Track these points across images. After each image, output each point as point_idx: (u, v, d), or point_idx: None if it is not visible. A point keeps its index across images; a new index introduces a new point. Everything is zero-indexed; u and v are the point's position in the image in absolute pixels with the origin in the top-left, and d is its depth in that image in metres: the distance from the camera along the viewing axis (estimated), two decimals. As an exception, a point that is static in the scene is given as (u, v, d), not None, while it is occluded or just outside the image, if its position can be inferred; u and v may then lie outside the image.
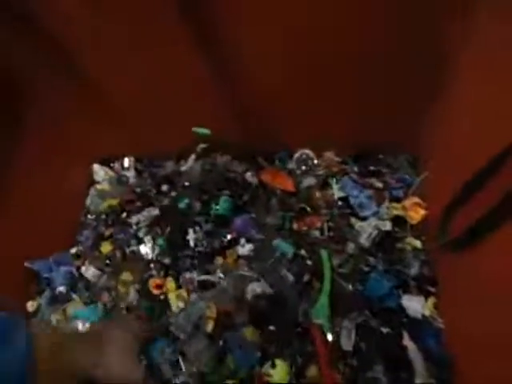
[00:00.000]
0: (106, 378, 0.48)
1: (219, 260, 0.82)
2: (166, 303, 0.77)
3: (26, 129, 0.89)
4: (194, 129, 0.94)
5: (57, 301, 0.82)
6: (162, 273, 0.84)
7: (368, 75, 0.76)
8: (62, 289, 0.81)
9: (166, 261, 0.86)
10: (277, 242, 0.84)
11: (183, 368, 0.68)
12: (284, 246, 0.83)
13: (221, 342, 0.69)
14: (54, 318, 0.78)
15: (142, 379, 0.53)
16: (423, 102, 0.79)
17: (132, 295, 0.81)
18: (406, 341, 0.70)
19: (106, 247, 0.90)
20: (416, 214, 0.85)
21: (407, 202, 0.86)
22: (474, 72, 0.66)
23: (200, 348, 0.67)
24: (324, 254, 0.79)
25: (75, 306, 0.78)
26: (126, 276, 0.82)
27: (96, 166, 1.08)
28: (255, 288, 0.73)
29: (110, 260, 0.88)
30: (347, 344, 0.69)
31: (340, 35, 0.70)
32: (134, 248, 0.88)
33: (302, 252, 0.83)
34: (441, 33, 0.67)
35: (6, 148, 0.84)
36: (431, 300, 0.74)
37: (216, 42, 0.76)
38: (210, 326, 0.69)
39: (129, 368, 0.50)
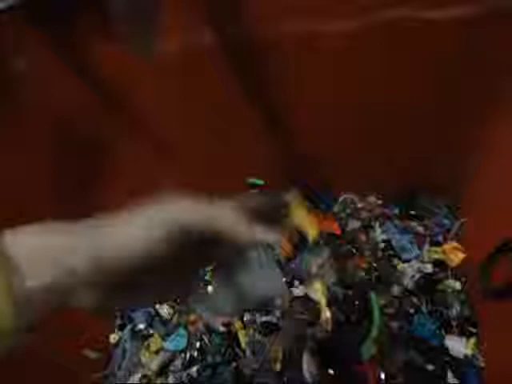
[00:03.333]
0: None
1: (277, 301, 0.93)
2: (234, 339, 0.89)
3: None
4: (249, 180, 1.06)
5: (137, 336, 0.95)
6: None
7: (415, 125, 0.80)
8: (141, 326, 0.94)
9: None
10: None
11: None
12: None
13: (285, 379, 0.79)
14: (142, 357, 0.91)
15: None
16: (467, 151, 0.83)
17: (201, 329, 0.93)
18: (451, 379, 0.78)
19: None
20: (455, 258, 0.92)
21: (447, 246, 0.94)
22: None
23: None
24: (373, 296, 0.88)
25: (155, 341, 0.91)
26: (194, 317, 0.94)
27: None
28: (315, 332, 0.83)
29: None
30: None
31: (389, 87, 0.74)
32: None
33: (350, 293, 0.92)
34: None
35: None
36: (472, 340, 0.82)
37: (269, 93, 0.82)
38: (278, 366, 0.80)
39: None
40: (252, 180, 1.05)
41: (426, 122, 0.81)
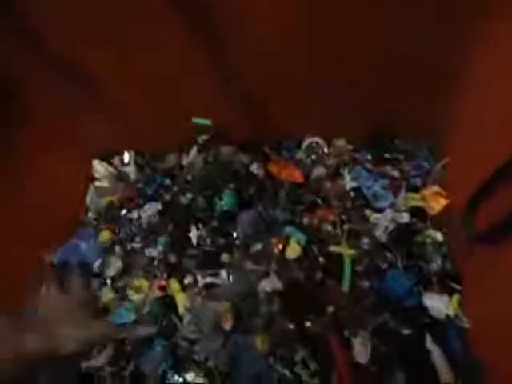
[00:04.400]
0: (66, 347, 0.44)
1: (225, 258, 0.77)
2: (170, 305, 0.73)
3: (27, 123, 0.84)
4: (194, 119, 0.88)
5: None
6: (165, 274, 0.79)
7: (384, 50, 0.70)
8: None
9: (171, 260, 0.81)
10: (289, 229, 0.78)
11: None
12: (297, 235, 0.77)
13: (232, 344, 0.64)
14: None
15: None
16: (447, 85, 0.72)
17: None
18: (429, 344, 0.64)
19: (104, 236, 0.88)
20: (436, 204, 0.78)
21: (426, 192, 0.80)
22: (505, 62, 0.59)
23: (216, 347, 0.62)
24: (346, 256, 0.73)
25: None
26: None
27: (95, 162, 1.03)
28: (265, 286, 0.68)
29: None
30: (362, 356, 0.63)
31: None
32: (136, 245, 0.84)
33: (314, 248, 0.77)
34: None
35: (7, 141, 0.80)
36: (455, 298, 0.68)
37: (215, 30, 0.71)
38: (228, 324, 0.65)
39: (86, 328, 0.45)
40: (198, 119, 0.88)
41: (394, 46, 0.70)
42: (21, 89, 0.83)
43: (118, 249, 0.86)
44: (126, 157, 1.04)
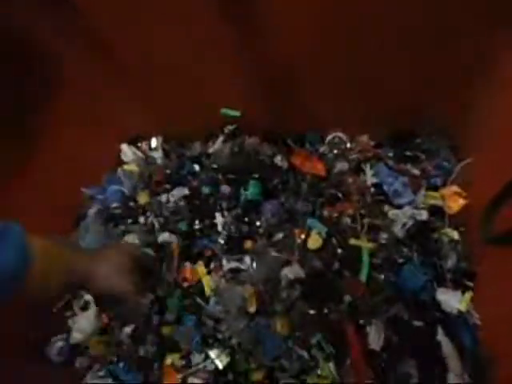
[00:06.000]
0: (96, 288, 0.53)
1: (248, 244, 0.81)
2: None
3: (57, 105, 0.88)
4: (223, 110, 0.91)
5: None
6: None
7: (408, 49, 0.72)
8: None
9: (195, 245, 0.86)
10: (310, 221, 0.82)
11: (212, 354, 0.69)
12: (319, 227, 0.81)
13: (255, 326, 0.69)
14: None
15: (134, 296, 0.58)
16: (472, 84, 0.73)
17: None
18: (440, 336, 0.68)
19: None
20: (455, 204, 0.80)
21: (446, 191, 0.82)
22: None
23: (240, 327, 0.67)
24: (364, 250, 0.76)
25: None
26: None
27: (124, 146, 1.07)
28: (287, 273, 0.72)
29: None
30: (376, 343, 0.67)
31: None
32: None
33: (333, 240, 0.81)
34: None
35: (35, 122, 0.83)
36: (468, 295, 0.71)
37: (247, 18, 0.73)
38: (252, 308, 0.70)
39: (118, 283, 0.55)
40: (227, 110, 0.91)
41: (425, 59, 0.73)
42: (60, 70, 0.86)
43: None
44: (154, 142, 1.07)
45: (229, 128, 0.98)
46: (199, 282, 0.77)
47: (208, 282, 0.75)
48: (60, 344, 0.81)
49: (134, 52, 0.83)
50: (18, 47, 0.77)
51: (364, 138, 0.95)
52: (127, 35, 0.79)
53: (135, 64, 0.86)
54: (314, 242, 0.78)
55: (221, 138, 1.00)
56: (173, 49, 0.79)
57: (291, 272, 0.71)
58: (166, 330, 0.74)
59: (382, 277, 0.76)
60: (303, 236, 0.79)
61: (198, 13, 0.72)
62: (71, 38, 0.82)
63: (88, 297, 0.84)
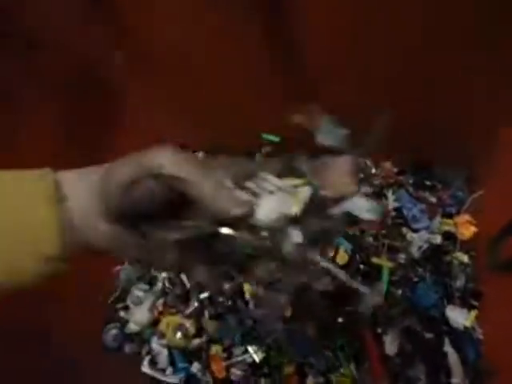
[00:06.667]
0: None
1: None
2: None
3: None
4: (264, 135, 1.03)
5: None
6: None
7: (433, 88, 0.79)
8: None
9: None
10: (339, 239, 0.93)
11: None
12: (345, 244, 0.92)
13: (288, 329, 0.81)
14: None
15: None
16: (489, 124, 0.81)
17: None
18: (447, 347, 0.79)
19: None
20: (466, 231, 0.91)
21: (459, 219, 0.93)
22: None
23: (276, 329, 0.79)
24: (385, 268, 0.88)
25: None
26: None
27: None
28: (318, 285, 0.83)
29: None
30: (391, 350, 0.78)
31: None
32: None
33: (357, 257, 0.92)
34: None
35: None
36: (473, 313, 0.82)
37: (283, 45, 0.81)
38: (287, 313, 0.81)
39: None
40: (267, 135, 1.02)
41: (443, 94, 0.79)
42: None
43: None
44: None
45: (266, 149, 1.10)
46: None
47: (248, 288, 0.88)
48: (114, 332, 0.94)
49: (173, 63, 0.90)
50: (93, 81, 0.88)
51: (387, 165, 1.06)
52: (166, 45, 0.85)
53: (184, 87, 0.94)
54: (342, 258, 0.89)
55: (257, 158, 1.12)
56: (214, 67, 0.88)
57: (322, 284, 0.82)
58: (210, 326, 0.86)
59: (399, 292, 0.87)
60: (332, 252, 0.90)
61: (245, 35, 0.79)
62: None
63: (139, 292, 0.97)
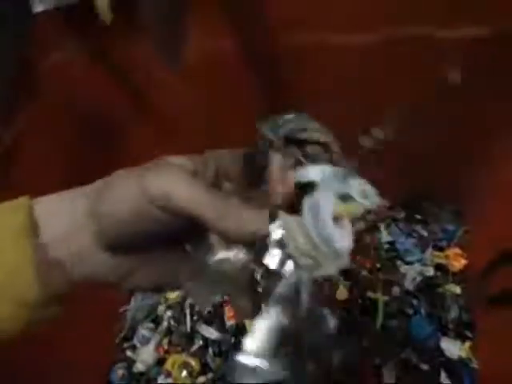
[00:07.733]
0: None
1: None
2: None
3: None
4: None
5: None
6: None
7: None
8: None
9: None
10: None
11: None
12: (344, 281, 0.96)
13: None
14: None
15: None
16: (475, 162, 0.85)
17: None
18: (443, 379, 0.82)
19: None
20: (457, 263, 0.95)
21: (450, 252, 0.97)
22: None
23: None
24: (380, 302, 0.92)
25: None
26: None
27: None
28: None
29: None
30: (389, 380, 0.81)
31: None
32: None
33: (355, 292, 0.96)
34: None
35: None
36: (467, 343, 0.85)
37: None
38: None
39: None
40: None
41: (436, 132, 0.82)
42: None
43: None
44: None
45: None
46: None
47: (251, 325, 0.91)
48: (121, 371, 0.98)
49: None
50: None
51: (381, 202, 1.11)
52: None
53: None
54: (342, 293, 0.94)
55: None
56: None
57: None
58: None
59: (395, 324, 0.91)
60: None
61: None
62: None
63: (146, 331, 1.01)
